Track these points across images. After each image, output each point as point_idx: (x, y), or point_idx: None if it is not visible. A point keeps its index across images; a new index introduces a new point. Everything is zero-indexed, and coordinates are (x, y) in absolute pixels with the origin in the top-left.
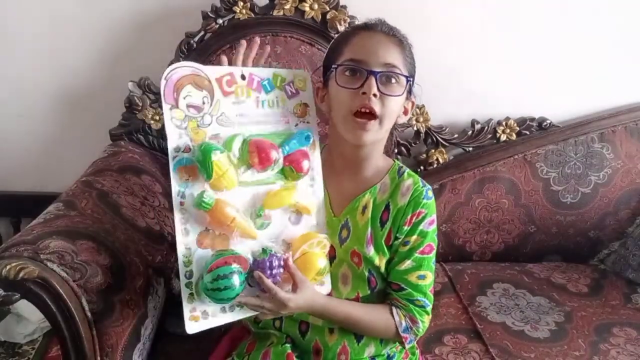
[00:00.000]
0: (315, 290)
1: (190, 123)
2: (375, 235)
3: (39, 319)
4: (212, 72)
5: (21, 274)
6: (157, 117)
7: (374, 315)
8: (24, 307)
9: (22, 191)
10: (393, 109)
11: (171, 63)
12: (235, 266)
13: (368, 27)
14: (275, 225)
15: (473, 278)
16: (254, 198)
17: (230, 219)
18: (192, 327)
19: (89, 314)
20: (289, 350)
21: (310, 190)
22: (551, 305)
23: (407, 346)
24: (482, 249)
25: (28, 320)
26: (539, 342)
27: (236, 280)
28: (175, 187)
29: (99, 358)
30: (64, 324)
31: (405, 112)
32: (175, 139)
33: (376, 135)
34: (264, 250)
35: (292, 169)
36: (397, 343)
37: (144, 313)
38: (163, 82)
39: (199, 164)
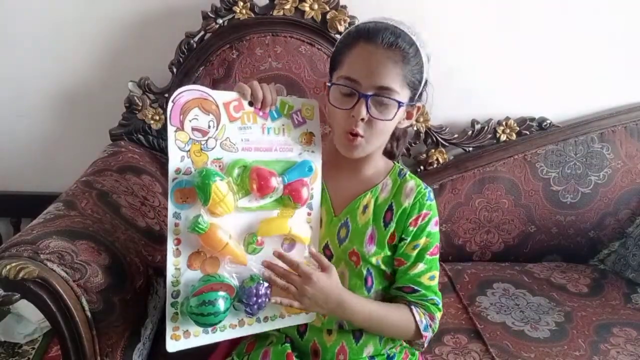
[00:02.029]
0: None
1: (193, 146)
2: (379, 235)
3: (39, 319)
4: (220, 96)
5: (21, 274)
6: (157, 117)
7: (396, 315)
8: (24, 307)
9: (22, 191)
10: (381, 130)
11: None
12: (221, 293)
13: (370, 38)
14: (268, 251)
15: (473, 278)
16: (250, 224)
17: (222, 244)
18: (172, 345)
19: (89, 314)
20: (289, 350)
21: (305, 219)
22: (551, 305)
23: (425, 346)
24: (482, 249)
25: (28, 320)
26: (539, 342)
27: (222, 306)
28: (172, 208)
29: (99, 358)
30: (64, 324)
31: (410, 117)
32: (177, 161)
33: (366, 150)
34: (252, 278)
35: (290, 199)
36: (396, 343)
37: (144, 313)
38: (170, 104)
39: (198, 188)
